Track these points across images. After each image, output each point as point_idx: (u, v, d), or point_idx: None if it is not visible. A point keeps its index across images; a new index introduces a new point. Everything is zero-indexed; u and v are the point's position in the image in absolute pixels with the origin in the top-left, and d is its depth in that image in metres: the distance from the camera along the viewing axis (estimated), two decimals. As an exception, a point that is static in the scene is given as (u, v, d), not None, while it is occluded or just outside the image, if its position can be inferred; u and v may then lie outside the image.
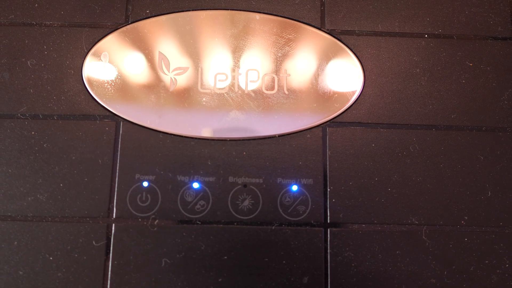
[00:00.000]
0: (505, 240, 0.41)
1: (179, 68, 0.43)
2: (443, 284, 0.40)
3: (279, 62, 0.44)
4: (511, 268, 0.41)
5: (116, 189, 0.41)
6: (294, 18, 0.45)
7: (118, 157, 0.42)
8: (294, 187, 0.41)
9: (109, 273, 0.39)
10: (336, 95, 0.43)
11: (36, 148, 0.42)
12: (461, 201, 0.41)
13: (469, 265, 0.40)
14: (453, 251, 0.41)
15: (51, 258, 0.40)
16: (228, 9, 0.45)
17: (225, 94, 0.43)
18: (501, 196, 0.42)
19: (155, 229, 0.40)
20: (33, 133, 0.42)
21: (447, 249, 0.41)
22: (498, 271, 0.40)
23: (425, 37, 0.45)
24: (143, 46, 0.44)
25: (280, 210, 0.41)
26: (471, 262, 0.41)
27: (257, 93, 0.43)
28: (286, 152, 0.42)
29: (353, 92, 0.43)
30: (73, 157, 0.41)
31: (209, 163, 0.42)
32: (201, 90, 0.43)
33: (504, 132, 0.43)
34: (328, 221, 0.41)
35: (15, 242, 0.40)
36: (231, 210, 0.41)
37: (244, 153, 0.42)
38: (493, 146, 0.43)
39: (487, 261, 0.41)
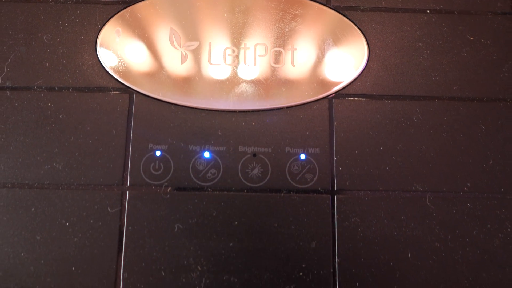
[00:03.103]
0: (506, 205, 0.41)
1: (190, 43, 0.43)
2: (447, 248, 0.40)
3: (286, 37, 0.43)
4: (513, 233, 0.40)
5: (130, 158, 0.41)
6: (301, -5, 0.44)
7: (132, 128, 0.41)
8: (302, 156, 0.41)
9: (124, 238, 0.39)
10: (342, 68, 0.43)
11: (52, 119, 0.41)
12: (463, 168, 0.41)
13: (472, 229, 0.40)
14: (456, 217, 0.40)
15: (67, 224, 0.39)
16: (236, -13, 0.45)
17: (234, 67, 0.43)
18: (502, 163, 0.41)
19: (168, 196, 0.40)
20: (49, 104, 0.42)
21: (451, 215, 0.40)
22: (500, 235, 0.40)
23: (427, 12, 0.44)
24: (155, 22, 0.43)
25: (289, 178, 0.41)
26: (474, 227, 0.40)
27: (265, 66, 0.43)
28: (294, 122, 0.42)
29: (358, 65, 0.43)
30: (88, 128, 0.41)
31: (220, 133, 0.41)
32: (211, 64, 0.43)
33: (504, 102, 0.42)
34: (335, 188, 0.41)
35: (33, 209, 0.40)
36: (241, 178, 0.41)
37: (253, 123, 0.42)
38: (493, 116, 0.42)
39: (489, 226, 0.40)
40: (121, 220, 0.40)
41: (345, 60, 0.43)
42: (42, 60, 0.42)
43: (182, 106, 0.42)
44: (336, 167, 0.41)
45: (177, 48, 0.43)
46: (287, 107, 0.42)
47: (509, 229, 0.40)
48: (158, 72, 0.42)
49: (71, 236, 0.39)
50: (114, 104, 0.42)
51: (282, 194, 0.40)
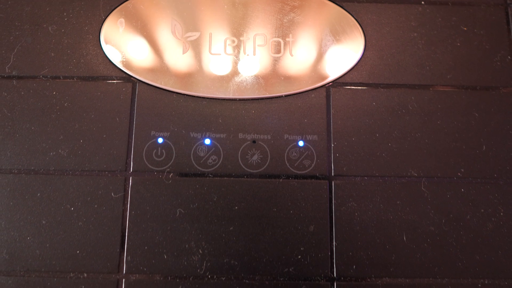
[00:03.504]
0: (499, 190, 0.41)
1: (191, 34, 0.44)
2: (441, 232, 0.41)
3: (285, 27, 0.44)
4: (506, 217, 0.41)
5: (133, 144, 0.42)
6: (299, -13, 0.45)
7: (135, 116, 0.42)
8: (300, 143, 0.42)
9: (127, 222, 0.40)
10: (339, 57, 0.44)
11: (57, 107, 0.42)
12: (457, 154, 0.42)
13: (466, 214, 0.41)
14: (450, 201, 0.41)
15: (72, 208, 0.40)
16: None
17: (234, 57, 0.44)
18: (495, 150, 0.42)
19: (170, 181, 0.41)
20: (54, 93, 0.42)
21: (445, 199, 0.41)
22: (493, 219, 0.41)
23: (422, 3, 0.45)
24: (157, 13, 0.44)
25: (287, 164, 0.42)
26: (467, 211, 0.41)
27: (265, 56, 0.44)
28: (292, 110, 0.43)
29: (355, 55, 0.44)
30: (92, 115, 0.42)
31: (220, 121, 0.42)
32: (212, 54, 0.44)
33: (497, 90, 0.43)
34: (332, 174, 0.42)
35: (38, 194, 0.40)
36: (241, 164, 0.41)
37: (253, 111, 0.43)
38: (486, 103, 0.43)
39: (482, 210, 0.41)
40: (124, 205, 0.40)
41: (342, 50, 0.44)
42: (47, 50, 0.43)
43: (184, 94, 0.43)
44: (333, 153, 0.42)
45: (178, 39, 0.44)
46: (286, 96, 0.43)
47: (501, 213, 0.41)
48: (160, 62, 0.43)
49: (75, 220, 0.40)
50: (118, 92, 0.43)
51: (281, 180, 0.41)
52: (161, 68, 0.43)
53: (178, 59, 0.43)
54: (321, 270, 0.40)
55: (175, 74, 0.43)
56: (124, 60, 0.43)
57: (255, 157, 0.41)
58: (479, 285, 0.40)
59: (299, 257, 0.40)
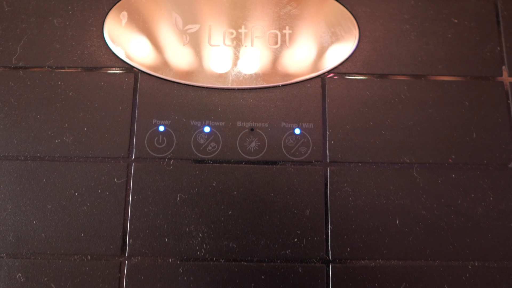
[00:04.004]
0: (489, 176, 0.43)
1: (191, 26, 0.45)
2: (432, 216, 0.42)
3: (282, 19, 0.46)
4: (495, 201, 0.42)
5: (135, 132, 0.43)
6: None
7: (137, 105, 0.43)
8: (297, 131, 0.43)
9: (129, 206, 0.41)
10: (334, 49, 0.45)
11: (62, 96, 0.44)
12: (448, 142, 0.43)
13: (456, 198, 0.42)
14: (441, 186, 0.42)
15: (76, 193, 0.42)
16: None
17: (233, 48, 0.45)
18: (485, 137, 0.43)
19: (171, 168, 0.42)
20: (59, 83, 0.44)
21: (436, 185, 0.42)
22: (482, 203, 0.42)
23: (414, -3, 0.47)
24: (159, 7, 0.46)
25: (284, 151, 0.43)
26: (458, 196, 0.42)
27: (262, 47, 0.45)
28: (289, 99, 0.44)
29: (350, 46, 0.45)
30: (96, 105, 0.43)
31: (219, 109, 0.44)
32: (211, 45, 0.45)
33: (486, 80, 0.45)
34: (328, 160, 0.43)
35: (44, 180, 0.42)
36: (240, 151, 0.43)
37: (251, 100, 0.44)
38: (476, 93, 0.44)
39: (472, 195, 0.42)
40: (127, 190, 0.42)
41: (337, 42, 0.45)
42: (52, 42, 0.45)
43: (184, 84, 0.44)
44: (328, 140, 0.43)
45: (179, 31, 0.45)
46: (283, 85, 0.44)
47: (491, 198, 0.42)
48: (162, 53, 0.45)
49: (80, 205, 0.41)
50: (120, 82, 0.44)
51: (277, 166, 0.42)
52: (162, 59, 0.44)
53: (179, 50, 0.45)
54: (316, 252, 0.41)
55: (176, 65, 0.44)
56: (126, 51, 0.44)
57: (253, 144, 0.43)
58: (469, 267, 0.41)
59: (295, 240, 0.41)
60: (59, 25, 0.45)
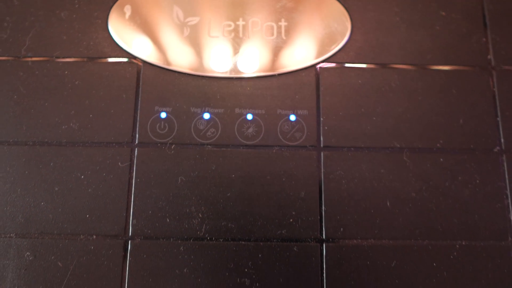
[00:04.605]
0: (475, 160, 0.45)
1: (192, 18, 0.48)
2: (422, 197, 0.44)
3: (277, 12, 0.48)
4: (481, 184, 0.44)
5: (138, 119, 0.45)
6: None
7: (140, 93, 0.46)
8: (292, 117, 0.45)
9: (133, 189, 0.43)
10: (328, 40, 0.47)
11: (69, 85, 0.46)
12: (436, 128, 0.45)
13: (444, 181, 0.44)
14: (430, 170, 0.44)
15: (82, 177, 0.43)
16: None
17: (231, 40, 0.47)
18: (471, 123, 0.45)
19: (172, 152, 0.44)
20: (66, 72, 0.46)
21: (425, 168, 0.44)
22: (469, 186, 0.44)
23: (404, -9, 0.49)
24: (160, 0, 0.48)
25: (280, 136, 0.45)
26: (446, 179, 0.44)
27: (259, 38, 0.47)
28: (284, 87, 0.46)
29: (342, 38, 0.47)
30: (101, 93, 0.45)
31: (218, 97, 0.46)
32: (211, 36, 0.47)
33: (472, 69, 0.47)
34: (321, 145, 0.45)
35: (51, 164, 0.44)
36: (238, 136, 0.45)
37: (248, 88, 0.46)
38: (463, 81, 0.46)
39: (460, 178, 0.44)
40: (130, 173, 0.44)
41: (331, 33, 0.47)
42: (59, 34, 0.47)
43: (185, 73, 0.46)
44: (322, 126, 0.45)
45: (180, 23, 0.47)
46: (279, 74, 0.46)
47: (477, 181, 0.44)
48: (163, 44, 0.47)
49: (85, 187, 0.43)
50: (124, 72, 0.46)
51: (274, 151, 0.44)
52: (164, 50, 0.46)
53: (180, 42, 0.47)
54: (311, 232, 0.43)
55: (177, 55, 0.46)
56: (130, 42, 0.47)
57: (250, 130, 0.45)
58: (457, 246, 0.43)
59: (291, 220, 0.43)
60: (66, 18, 0.47)
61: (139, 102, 0.45)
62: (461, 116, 0.45)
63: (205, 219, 0.43)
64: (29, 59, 0.46)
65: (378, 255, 0.42)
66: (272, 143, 0.45)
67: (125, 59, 0.46)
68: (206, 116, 0.45)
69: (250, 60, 0.46)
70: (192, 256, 0.42)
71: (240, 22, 0.47)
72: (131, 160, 0.44)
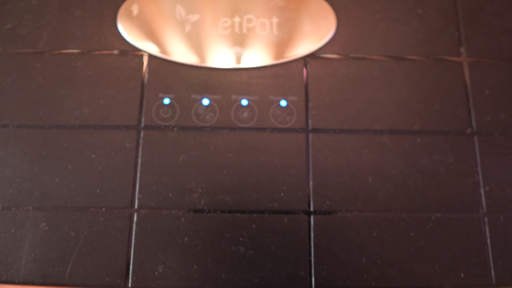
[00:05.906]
0: (449, 141, 0.49)
1: (192, 16, 0.53)
2: (400, 174, 0.47)
3: (270, 10, 0.53)
4: (455, 162, 0.48)
5: (144, 104, 0.49)
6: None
7: (145, 82, 0.50)
8: (283, 102, 0.50)
9: (139, 166, 0.47)
10: (315, 34, 0.52)
11: (82, 75, 0.50)
12: (414, 112, 0.49)
13: (421, 159, 0.48)
14: (408, 150, 0.48)
15: (93, 156, 0.48)
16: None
17: (228, 35, 0.52)
18: (445, 108, 0.49)
19: (174, 134, 0.49)
20: (79, 64, 0.51)
21: (404, 148, 0.48)
22: (444, 164, 0.48)
23: (384, -9, 0.54)
24: (164, 0, 0.53)
25: (272, 120, 0.49)
26: (422, 158, 0.48)
27: (253, 33, 0.52)
28: (276, 77, 0.51)
29: (328, 32, 0.52)
30: (110, 82, 0.50)
31: (216, 85, 0.50)
32: (209, 32, 0.52)
33: (447, 60, 0.51)
34: (310, 128, 0.49)
35: (65, 144, 0.48)
36: (234, 119, 0.49)
37: (244, 78, 0.51)
38: (438, 71, 0.51)
39: (435, 157, 0.48)
40: (137, 152, 0.48)
41: (318, 29, 0.52)
42: (73, 30, 0.52)
43: (186, 64, 0.51)
44: (310, 111, 0.50)
45: (182, 20, 0.52)
46: (271, 65, 0.51)
47: (451, 159, 0.48)
48: (167, 39, 0.52)
49: (96, 165, 0.47)
50: (131, 63, 0.51)
51: (266, 132, 0.49)
52: (168, 43, 0.51)
53: (182, 36, 0.52)
54: (300, 205, 0.47)
55: (179, 48, 0.51)
56: (137, 37, 0.51)
57: (245, 114, 0.49)
58: (432, 218, 0.47)
59: (282, 194, 0.47)
60: (79, 16, 0.52)
61: (145, 89, 0.50)
62: (436, 102, 0.50)
63: (204, 193, 0.47)
64: (46, 52, 0.51)
65: (361, 225, 0.46)
66: (265, 126, 0.49)
67: (132, 52, 0.51)
68: (205, 102, 0.49)
69: (245, 53, 0.51)
70: (192, 227, 0.46)
71: (236, 19, 0.52)
72: (137, 141, 0.48)
